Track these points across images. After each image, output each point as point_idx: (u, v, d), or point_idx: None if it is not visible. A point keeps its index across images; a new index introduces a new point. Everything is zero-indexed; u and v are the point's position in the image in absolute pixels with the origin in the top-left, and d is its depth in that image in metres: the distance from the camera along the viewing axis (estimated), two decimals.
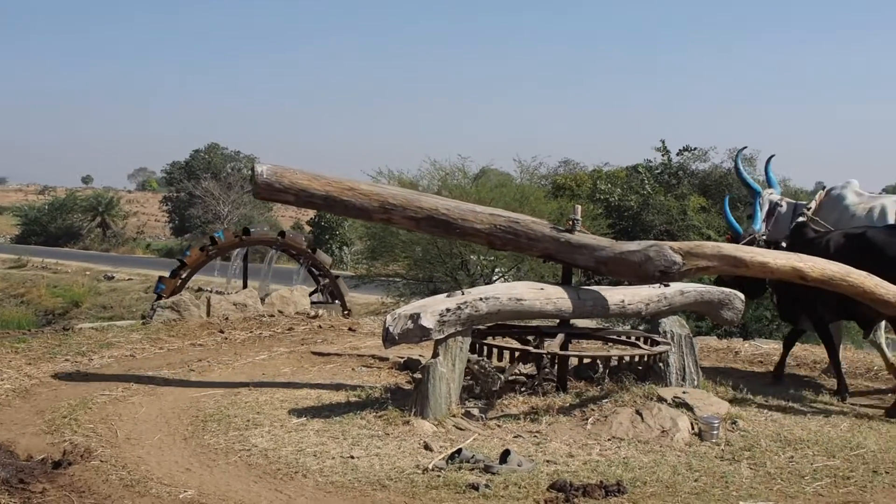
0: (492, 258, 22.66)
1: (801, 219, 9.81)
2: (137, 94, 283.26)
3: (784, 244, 9.40)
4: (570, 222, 8.30)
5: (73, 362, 9.76)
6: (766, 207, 10.26)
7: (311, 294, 14.58)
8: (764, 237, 10.08)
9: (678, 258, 8.07)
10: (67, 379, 9.03)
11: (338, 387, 8.62)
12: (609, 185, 30.13)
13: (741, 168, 10.85)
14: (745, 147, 10.13)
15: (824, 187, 10.72)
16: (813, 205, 10.27)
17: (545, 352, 7.89)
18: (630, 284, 8.40)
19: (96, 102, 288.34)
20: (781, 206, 10.34)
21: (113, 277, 42.85)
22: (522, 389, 8.22)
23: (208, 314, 12.76)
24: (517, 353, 7.97)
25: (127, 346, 10.67)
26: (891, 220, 9.73)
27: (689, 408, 7.34)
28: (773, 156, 10.70)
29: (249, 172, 8.08)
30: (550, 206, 23.81)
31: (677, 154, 31.84)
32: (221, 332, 11.73)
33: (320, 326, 12.39)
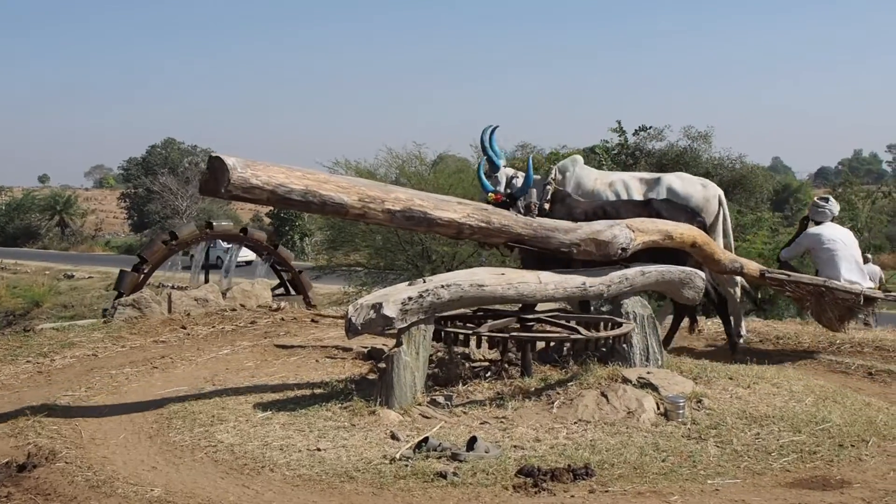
0: (450, 247, 22.59)
1: (549, 187, 10.02)
2: (91, 91, 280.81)
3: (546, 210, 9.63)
4: (532, 206, 8.28)
5: (34, 363, 9.66)
6: (503, 181, 10.35)
7: (273, 289, 14.51)
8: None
9: (632, 234, 8.33)
10: (29, 381, 8.92)
11: (302, 379, 8.57)
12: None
13: (486, 142, 10.90)
14: (498, 126, 10.19)
15: (555, 165, 11.13)
16: (552, 179, 10.46)
17: (508, 336, 7.85)
18: (584, 266, 8.41)
19: (49, 100, 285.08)
20: (517, 177, 10.44)
21: (73, 276, 42.59)
22: (487, 375, 8.18)
23: (170, 310, 12.66)
24: (481, 339, 7.93)
25: (89, 346, 10.57)
26: (635, 195, 10.48)
27: (654, 388, 7.31)
28: (495, 127, 10.70)
29: (205, 168, 6.68)
30: None
31: (633, 134, 31.86)
32: (183, 328, 11.64)
33: (283, 319, 12.33)
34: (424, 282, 7.39)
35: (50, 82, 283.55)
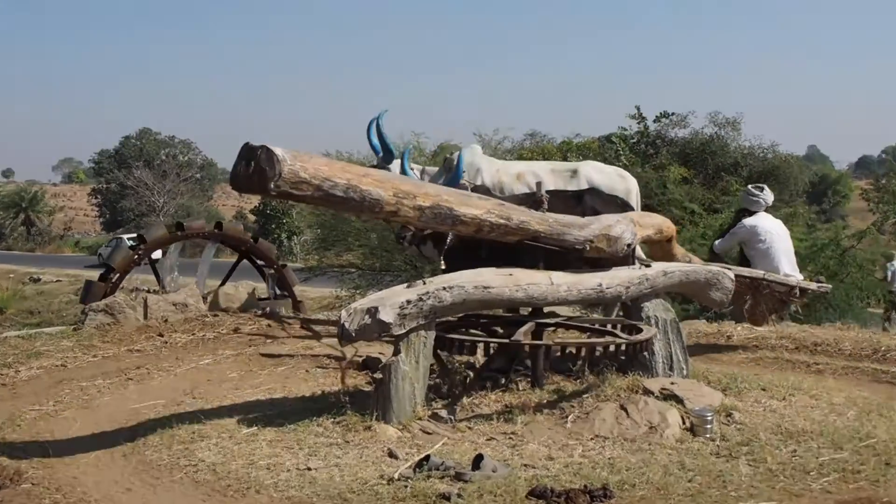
0: None
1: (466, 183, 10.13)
2: (60, 78, 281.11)
3: None
4: (539, 199, 8.27)
5: None
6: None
7: (260, 301, 14.43)
8: None
9: (635, 230, 8.46)
10: None
11: (291, 391, 8.58)
12: (580, 159, 30.12)
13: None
14: (387, 110, 10.24)
15: (451, 154, 11.17)
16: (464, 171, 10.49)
17: (519, 342, 7.81)
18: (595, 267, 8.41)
19: (14, 88, 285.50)
20: (427, 173, 10.63)
21: (40, 280, 42.59)
22: (494, 386, 8.16)
23: (146, 316, 12.61)
24: (488, 346, 7.91)
25: (57, 356, 10.55)
26: (549, 187, 10.29)
27: (678, 400, 7.30)
28: (380, 113, 10.77)
29: (243, 161, 6.17)
30: None
31: (654, 121, 31.84)
32: (161, 335, 11.62)
33: (269, 325, 12.31)
34: (424, 284, 7.35)
35: (15, 69, 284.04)
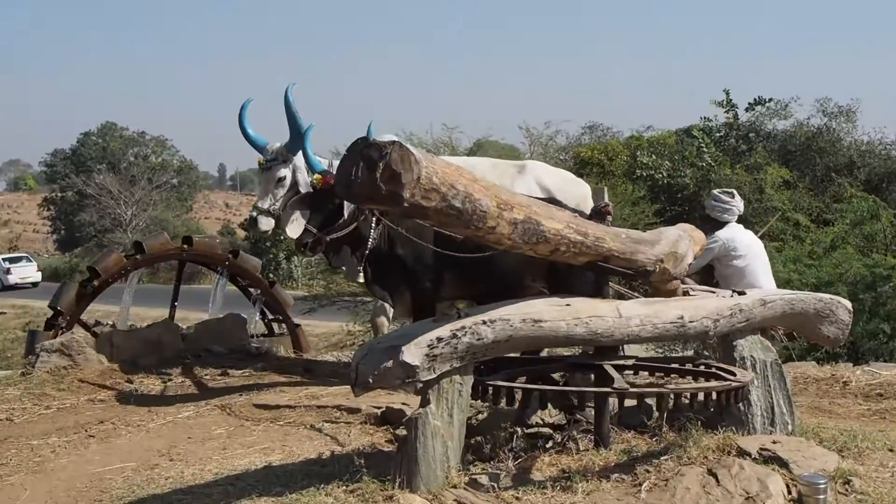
0: None
1: None
2: (4, 68, 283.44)
3: None
4: (604, 209, 8.27)
5: None
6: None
7: (252, 339, 14.43)
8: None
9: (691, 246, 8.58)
10: None
11: (292, 452, 8.57)
12: (653, 157, 30.09)
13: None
14: (295, 83, 10.15)
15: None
16: None
17: (582, 390, 7.77)
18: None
19: None
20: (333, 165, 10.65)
21: None
22: (548, 445, 8.14)
23: (111, 357, 12.66)
24: (541, 395, 7.87)
25: (1, 407, 10.62)
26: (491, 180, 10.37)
27: (782, 463, 7.26)
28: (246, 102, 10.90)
29: (360, 162, 5.74)
30: None
31: (747, 109, 31.73)
32: (130, 381, 11.68)
33: (264, 368, 12.34)
34: (459, 316, 7.30)
35: None
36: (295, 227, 10.51)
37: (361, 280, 10.68)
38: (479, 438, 8.01)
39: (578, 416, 8.47)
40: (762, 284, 10.50)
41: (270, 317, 15.30)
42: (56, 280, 48.78)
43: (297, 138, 10.71)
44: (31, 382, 11.67)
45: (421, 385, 7.13)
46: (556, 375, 8.61)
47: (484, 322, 7.21)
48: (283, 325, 15.31)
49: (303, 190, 10.85)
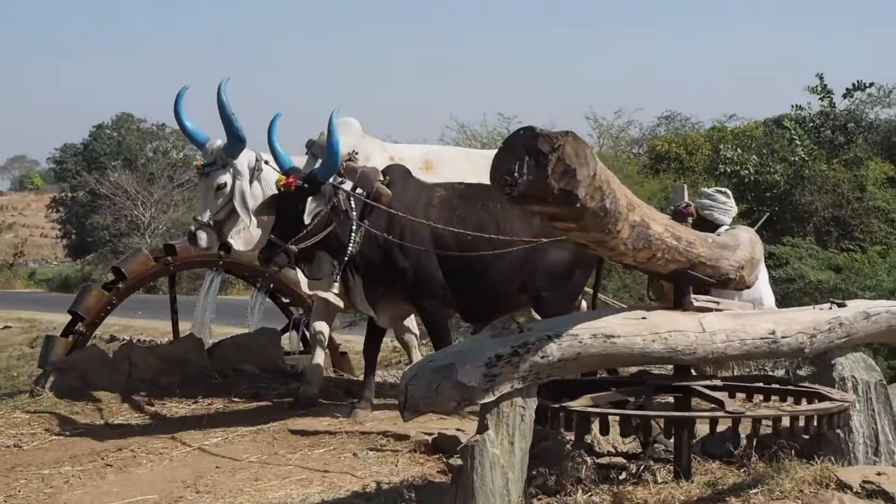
0: None
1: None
2: (8, 50, 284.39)
3: None
4: (685, 210, 8.33)
5: None
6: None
7: (287, 356, 14.30)
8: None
9: None
10: None
11: (333, 483, 8.64)
12: (739, 151, 29.78)
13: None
14: (229, 78, 10.01)
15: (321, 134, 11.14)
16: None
17: (662, 415, 7.78)
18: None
19: None
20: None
21: None
22: (622, 477, 8.19)
23: (129, 377, 12.65)
24: (619, 421, 7.88)
25: (9, 432, 10.75)
26: (467, 176, 10.91)
27: (888, 498, 7.25)
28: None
29: (526, 159, 5.50)
30: (651, 188, 23.75)
31: (844, 96, 31.40)
32: (150, 404, 11.75)
33: (301, 388, 12.35)
34: (521, 331, 7.23)
35: None
36: (241, 240, 10.65)
37: (335, 291, 10.76)
38: (542, 469, 8.04)
39: (655, 443, 8.50)
40: (763, 296, 10.36)
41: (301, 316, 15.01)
42: (66, 291, 48.84)
43: (236, 141, 10.84)
44: (41, 405, 11.72)
45: (478, 409, 7.11)
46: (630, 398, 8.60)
47: (549, 337, 7.13)
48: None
49: (242, 201, 11.01)
